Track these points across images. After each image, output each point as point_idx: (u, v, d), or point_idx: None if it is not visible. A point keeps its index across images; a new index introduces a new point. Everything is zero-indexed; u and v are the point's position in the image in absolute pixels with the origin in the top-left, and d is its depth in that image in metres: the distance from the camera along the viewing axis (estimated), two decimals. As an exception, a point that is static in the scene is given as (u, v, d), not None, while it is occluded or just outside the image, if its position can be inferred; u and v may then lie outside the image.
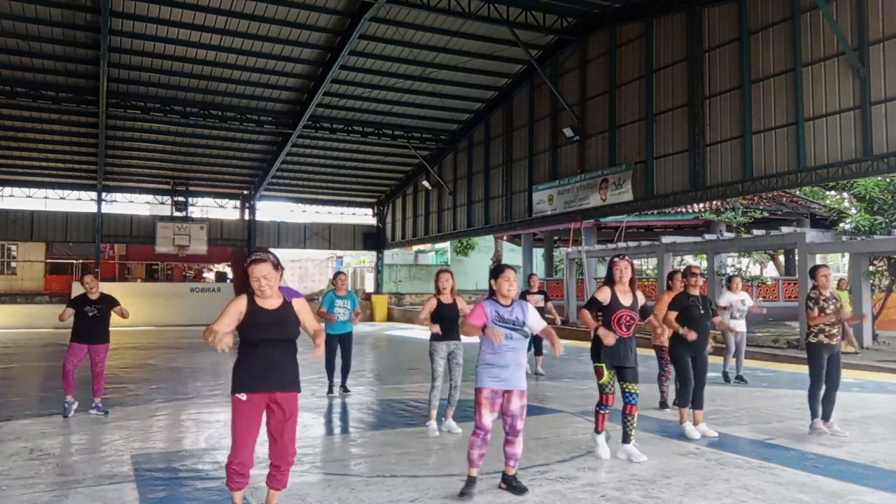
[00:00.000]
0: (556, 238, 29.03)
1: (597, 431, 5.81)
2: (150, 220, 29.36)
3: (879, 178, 15.73)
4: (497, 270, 4.89)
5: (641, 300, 5.86)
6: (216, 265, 39.49)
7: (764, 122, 14.84)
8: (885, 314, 17.71)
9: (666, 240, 20.20)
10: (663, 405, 8.07)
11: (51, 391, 9.39)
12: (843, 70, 13.41)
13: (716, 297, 13.18)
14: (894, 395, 9.25)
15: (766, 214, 23.41)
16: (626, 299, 5.71)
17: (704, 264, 19.66)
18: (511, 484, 4.77)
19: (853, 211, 19.04)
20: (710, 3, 15.87)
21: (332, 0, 17.48)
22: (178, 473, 5.37)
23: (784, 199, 24.37)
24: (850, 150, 13.25)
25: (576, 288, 23.49)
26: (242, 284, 4.13)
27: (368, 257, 41.17)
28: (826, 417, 6.72)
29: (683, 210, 23.77)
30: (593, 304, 5.73)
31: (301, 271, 49.31)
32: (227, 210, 32.01)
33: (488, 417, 4.69)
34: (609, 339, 5.56)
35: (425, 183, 28.39)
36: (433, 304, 6.84)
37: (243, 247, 30.27)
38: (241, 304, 3.98)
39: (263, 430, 4.04)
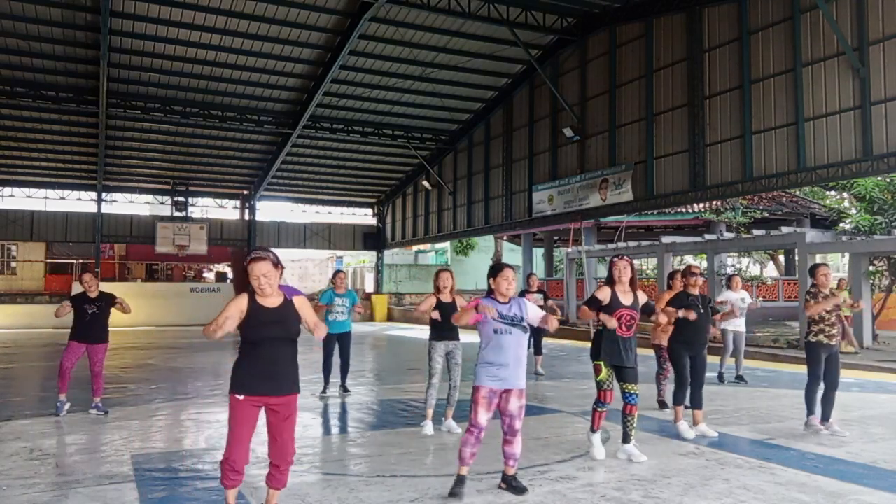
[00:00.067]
0: (556, 238, 29.03)
1: (592, 430, 5.79)
2: (150, 220, 29.37)
3: (879, 178, 15.74)
4: (496, 269, 4.87)
5: (643, 299, 5.86)
6: (216, 265, 39.49)
7: (764, 122, 14.84)
8: (885, 314, 17.71)
9: (666, 240, 20.21)
10: (662, 405, 8.07)
11: (51, 391, 9.36)
12: (843, 70, 13.41)
13: (715, 297, 13.17)
14: (894, 395, 9.25)
15: (766, 214, 23.41)
16: (626, 299, 5.71)
17: (704, 264, 19.67)
18: (511, 484, 4.77)
19: (853, 211, 19.04)
20: (710, 3, 15.87)
21: (332, 0, 17.49)
22: (178, 473, 5.37)
23: (784, 199, 24.37)
24: (850, 150, 13.25)
25: (576, 288, 23.49)
26: (242, 284, 4.11)
27: (368, 257, 41.16)
28: (826, 417, 6.72)
29: (683, 210, 23.77)
30: (593, 303, 5.73)
31: (301, 271, 49.29)
32: (227, 210, 32.03)
33: (483, 416, 4.68)
34: (611, 322, 5.56)
35: (425, 183, 28.40)
36: (433, 301, 6.83)
37: (243, 247, 30.25)
38: (242, 302, 3.96)
39: (263, 430, 4.04)
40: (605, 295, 5.70)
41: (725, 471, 5.37)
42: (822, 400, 6.76)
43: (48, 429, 7.04)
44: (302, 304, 4.10)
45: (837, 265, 39.11)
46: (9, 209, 28.12)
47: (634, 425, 5.75)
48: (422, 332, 19.45)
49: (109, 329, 7.89)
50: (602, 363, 5.71)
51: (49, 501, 4.63)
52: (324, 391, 9.24)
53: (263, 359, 3.94)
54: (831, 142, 13.59)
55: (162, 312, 26.11)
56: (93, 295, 7.73)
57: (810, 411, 6.78)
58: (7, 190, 28.44)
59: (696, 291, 6.82)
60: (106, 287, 8.40)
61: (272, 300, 3.99)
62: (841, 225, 20.23)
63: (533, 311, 4.83)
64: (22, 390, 10.44)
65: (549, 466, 5.48)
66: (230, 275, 36.98)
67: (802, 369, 7.09)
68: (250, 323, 3.92)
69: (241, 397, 3.92)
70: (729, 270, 19.36)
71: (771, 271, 33.44)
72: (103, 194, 28.36)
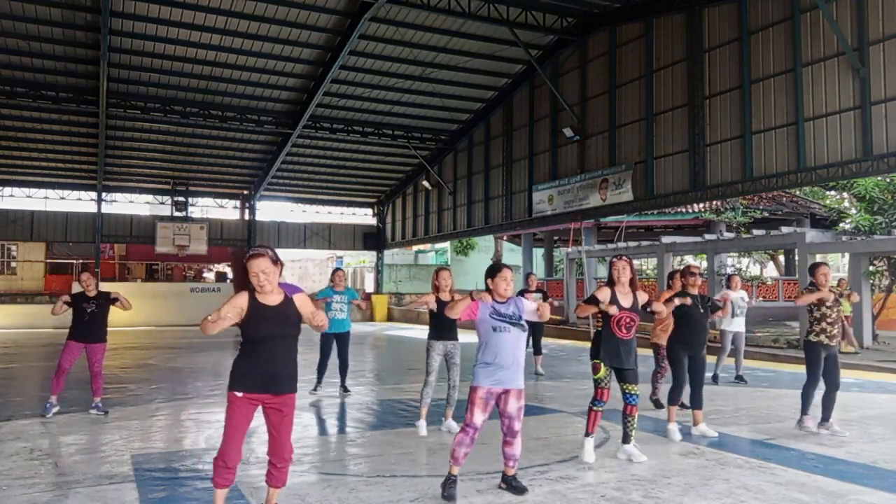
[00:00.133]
0: (556, 238, 29.03)
1: (586, 434, 5.69)
2: (150, 220, 29.36)
3: (879, 178, 15.74)
4: (494, 269, 4.86)
5: (643, 299, 5.85)
6: (216, 265, 39.51)
7: (764, 122, 14.84)
8: (885, 314, 17.72)
9: (666, 240, 20.21)
10: (657, 404, 8.08)
11: (51, 391, 9.37)
12: (843, 70, 13.41)
13: (714, 297, 13.17)
14: (894, 395, 9.25)
15: (766, 214, 23.41)
16: (626, 300, 5.71)
17: (704, 264, 19.67)
18: (511, 484, 4.77)
19: (853, 211, 19.05)
20: (710, 3, 15.87)
21: (332, 0, 17.49)
22: (178, 473, 5.37)
23: (784, 199, 24.37)
24: (850, 150, 13.25)
25: (576, 288, 23.49)
26: (243, 283, 4.09)
27: (368, 257, 41.17)
28: (826, 417, 6.72)
29: (683, 210, 23.77)
30: (592, 302, 5.73)
31: (301, 271, 49.26)
32: (227, 210, 32.02)
33: (479, 416, 4.68)
34: (613, 309, 5.57)
35: (425, 183, 28.40)
36: (432, 297, 6.82)
37: (243, 247, 30.25)
38: (242, 300, 3.93)
39: (263, 429, 4.03)
40: (604, 296, 5.69)
41: (725, 471, 5.37)
42: (822, 399, 6.77)
43: (48, 429, 7.04)
44: (303, 302, 4.08)
45: (837, 265, 39.12)
46: (9, 209, 28.11)
47: (635, 425, 5.75)
48: (421, 331, 19.45)
49: (109, 329, 7.89)
50: (601, 362, 5.72)
51: (49, 501, 4.63)
52: (315, 388, 9.19)
53: (263, 357, 3.93)
54: (831, 142, 13.59)
55: (162, 312, 26.11)
56: (91, 294, 7.74)
57: (804, 411, 6.81)
58: (7, 190, 28.43)
59: (695, 291, 6.83)
60: (106, 287, 8.40)
61: (272, 298, 3.96)
62: (841, 225, 20.24)
63: (528, 306, 4.83)
64: (22, 390, 10.43)
65: (549, 466, 5.48)
66: (230, 275, 37.00)
67: (802, 369, 7.09)
68: (250, 321, 3.90)
69: (240, 394, 3.91)
70: (729, 270, 19.36)
71: (771, 271, 33.45)
72: (103, 194, 28.35)
